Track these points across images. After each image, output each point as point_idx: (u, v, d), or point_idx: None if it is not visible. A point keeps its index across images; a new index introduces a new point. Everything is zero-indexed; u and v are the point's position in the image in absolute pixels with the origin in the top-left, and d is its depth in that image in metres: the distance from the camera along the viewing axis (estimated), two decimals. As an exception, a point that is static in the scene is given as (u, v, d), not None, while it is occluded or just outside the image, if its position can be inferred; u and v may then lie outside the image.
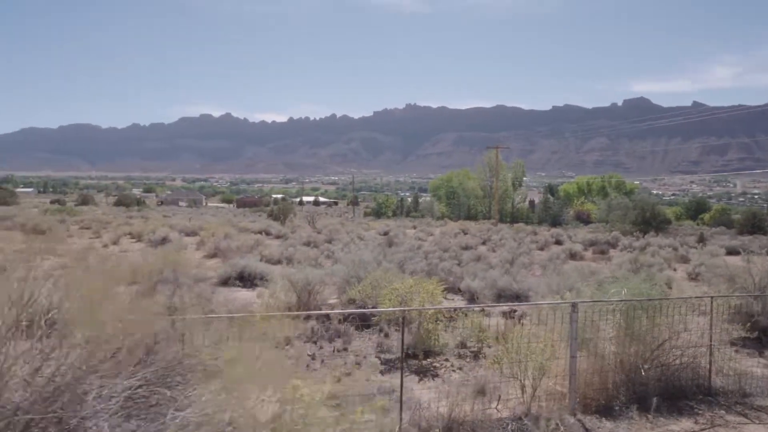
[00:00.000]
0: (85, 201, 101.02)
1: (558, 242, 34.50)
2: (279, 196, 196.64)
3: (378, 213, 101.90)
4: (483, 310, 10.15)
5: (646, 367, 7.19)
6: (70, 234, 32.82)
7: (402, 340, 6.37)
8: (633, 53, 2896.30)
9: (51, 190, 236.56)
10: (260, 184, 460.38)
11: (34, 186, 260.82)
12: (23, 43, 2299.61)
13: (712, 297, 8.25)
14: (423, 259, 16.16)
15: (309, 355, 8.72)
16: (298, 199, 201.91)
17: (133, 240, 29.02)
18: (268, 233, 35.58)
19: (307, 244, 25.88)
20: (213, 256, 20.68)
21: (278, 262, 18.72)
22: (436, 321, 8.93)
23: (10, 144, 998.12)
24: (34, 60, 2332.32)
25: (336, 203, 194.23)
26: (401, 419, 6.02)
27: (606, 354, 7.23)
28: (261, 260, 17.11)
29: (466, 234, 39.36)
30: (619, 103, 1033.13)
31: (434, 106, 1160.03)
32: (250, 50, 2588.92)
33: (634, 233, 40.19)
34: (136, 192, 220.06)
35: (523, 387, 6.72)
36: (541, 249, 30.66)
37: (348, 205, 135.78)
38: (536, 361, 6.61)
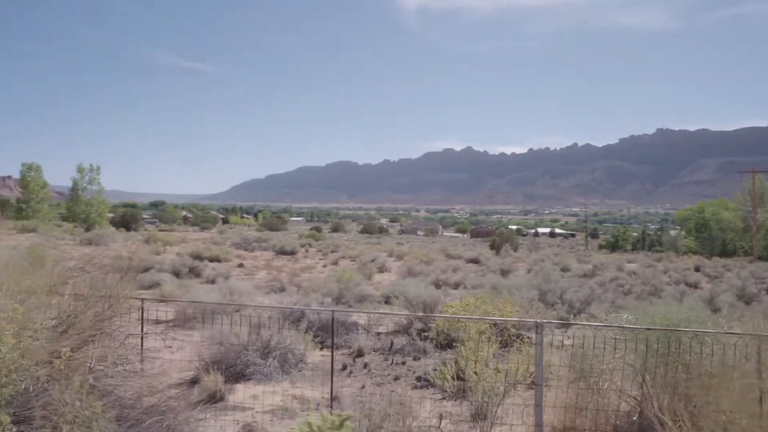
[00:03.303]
0: (336, 228, 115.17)
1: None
2: (514, 227, 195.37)
3: (614, 246, 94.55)
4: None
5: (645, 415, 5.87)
6: (306, 255, 38.58)
7: (332, 342, 6.44)
8: None
9: (316, 219, 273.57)
10: (498, 215, 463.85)
11: (304, 216, 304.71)
12: (298, 96, 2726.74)
13: (758, 336, 6.16)
14: (587, 289, 15.31)
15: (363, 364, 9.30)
16: (533, 231, 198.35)
17: (351, 261, 32.82)
18: (476, 261, 36.68)
19: (496, 271, 26.20)
20: (403, 277, 22.59)
21: (454, 286, 19.66)
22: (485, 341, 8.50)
23: (289, 180, 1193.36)
24: (307, 109, 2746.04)
25: (573, 235, 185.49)
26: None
27: (601, 391, 6.20)
28: (431, 283, 18.18)
29: (697, 270, 34.78)
30: None
31: (692, 129, 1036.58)
32: (490, 85, 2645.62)
33: None
34: (383, 221, 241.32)
35: (477, 413, 6.08)
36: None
37: (585, 237, 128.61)
38: (485, 384, 5.94)
